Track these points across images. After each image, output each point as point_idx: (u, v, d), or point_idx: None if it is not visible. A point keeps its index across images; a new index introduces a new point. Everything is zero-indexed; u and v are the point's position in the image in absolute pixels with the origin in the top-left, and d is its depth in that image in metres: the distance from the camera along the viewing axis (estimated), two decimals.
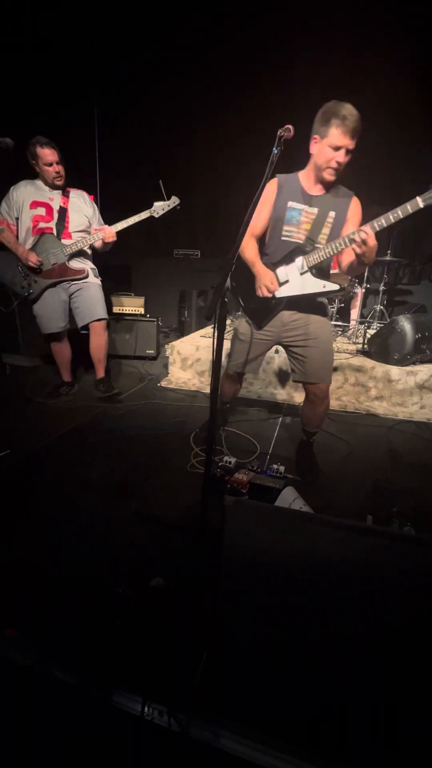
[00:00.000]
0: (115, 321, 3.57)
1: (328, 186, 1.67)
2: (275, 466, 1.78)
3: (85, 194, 2.64)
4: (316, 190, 1.69)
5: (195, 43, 3.93)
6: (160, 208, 2.54)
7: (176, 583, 1.21)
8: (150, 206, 2.53)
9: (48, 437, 2.21)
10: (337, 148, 1.53)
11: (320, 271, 1.74)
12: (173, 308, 4.84)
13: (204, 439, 2.13)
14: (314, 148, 1.61)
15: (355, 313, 3.94)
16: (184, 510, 1.60)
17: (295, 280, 1.75)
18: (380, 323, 3.66)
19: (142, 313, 4.08)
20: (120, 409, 2.67)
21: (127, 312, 3.88)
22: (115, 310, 3.78)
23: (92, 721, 0.92)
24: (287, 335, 1.84)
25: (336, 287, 1.75)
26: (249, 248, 1.78)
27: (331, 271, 1.93)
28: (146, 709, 0.92)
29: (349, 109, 1.50)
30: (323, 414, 1.94)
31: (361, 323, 3.72)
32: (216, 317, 1.17)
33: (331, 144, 1.53)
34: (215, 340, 1.21)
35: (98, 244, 2.57)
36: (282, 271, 1.76)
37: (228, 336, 3.52)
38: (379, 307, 3.86)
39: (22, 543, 1.41)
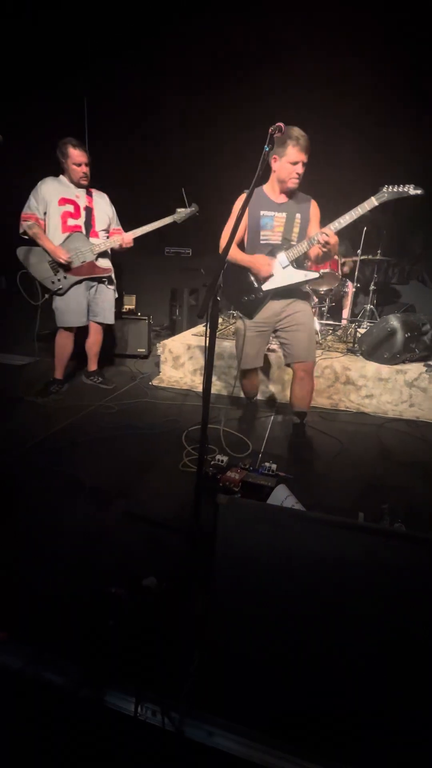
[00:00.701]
0: None
1: (290, 194, 2.05)
2: (267, 464, 1.79)
3: (105, 195, 2.78)
4: (281, 199, 2.06)
5: (182, 44, 3.92)
6: (182, 214, 2.69)
7: (169, 582, 1.21)
8: (173, 212, 2.68)
9: (38, 436, 2.18)
10: (295, 163, 1.91)
11: (299, 263, 2.06)
12: (164, 307, 4.81)
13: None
14: (275, 165, 1.97)
15: (345, 312, 3.97)
16: (177, 509, 1.60)
17: (279, 273, 2.06)
18: (370, 322, 3.69)
19: (134, 311, 4.05)
20: (111, 408, 2.66)
21: (119, 310, 3.85)
22: None
23: (85, 722, 0.91)
24: (281, 322, 2.16)
25: (316, 275, 2.08)
26: (234, 251, 2.05)
27: (322, 271, 2.07)
28: (139, 709, 0.91)
29: (299, 131, 1.88)
30: (311, 391, 2.25)
31: (351, 322, 3.75)
32: (208, 315, 1.17)
33: (290, 161, 1.91)
34: (207, 338, 1.20)
35: (117, 246, 2.73)
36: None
37: (220, 335, 3.53)
38: (369, 307, 3.89)
39: (11, 543, 1.39)
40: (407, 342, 2.93)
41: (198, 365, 3.22)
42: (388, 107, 3.78)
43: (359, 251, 3.70)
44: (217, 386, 3.16)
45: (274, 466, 1.78)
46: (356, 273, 3.75)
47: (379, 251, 3.82)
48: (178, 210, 2.67)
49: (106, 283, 2.82)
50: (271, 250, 2.05)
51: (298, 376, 2.18)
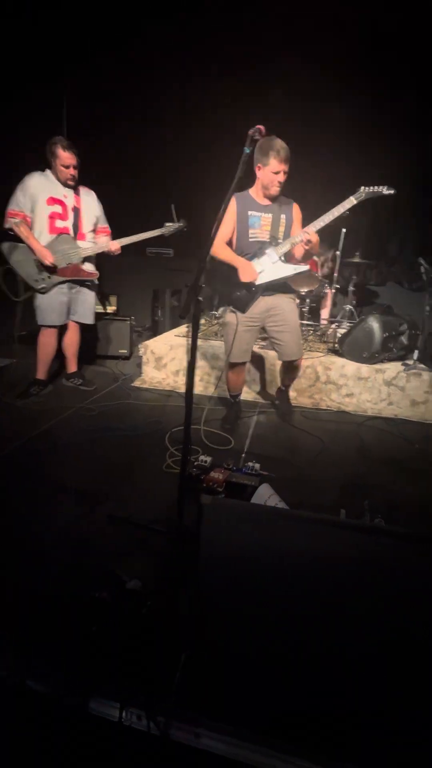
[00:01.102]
0: None
1: (273, 198, 2.23)
2: (250, 464, 1.80)
3: (93, 193, 2.76)
4: (266, 201, 2.24)
5: (171, 45, 3.91)
6: (170, 228, 2.75)
7: (154, 584, 1.20)
8: (159, 220, 2.73)
9: (19, 439, 2.13)
10: (276, 173, 2.10)
11: (287, 258, 2.23)
12: (146, 307, 4.77)
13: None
14: (259, 173, 2.16)
15: (325, 313, 4.03)
16: (161, 511, 1.59)
17: (269, 268, 2.21)
18: (350, 323, 3.76)
19: (115, 312, 4.01)
20: (93, 410, 2.62)
21: (99, 311, 3.80)
22: None
23: (69, 730, 0.89)
24: (270, 320, 2.31)
25: (305, 267, 2.26)
26: (225, 251, 2.21)
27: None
28: (124, 714, 0.90)
29: (280, 143, 2.06)
30: (296, 376, 2.63)
31: (331, 323, 3.82)
32: (191, 316, 1.17)
33: (272, 170, 2.10)
34: (189, 339, 1.20)
35: (104, 250, 2.73)
36: (256, 263, 2.21)
37: (203, 335, 3.53)
38: (348, 307, 3.97)
39: None
40: (385, 342, 3.00)
41: (181, 366, 3.21)
42: (365, 114, 3.87)
43: (338, 252, 3.77)
44: (199, 387, 3.15)
45: (257, 466, 1.79)
46: (335, 275, 3.81)
47: (357, 253, 3.90)
48: (167, 224, 2.73)
49: (89, 285, 2.80)
50: (261, 247, 2.21)
51: (287, 367, 2.49)
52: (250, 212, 2.21)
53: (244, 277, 2.17)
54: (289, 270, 2.20)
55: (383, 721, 0.88)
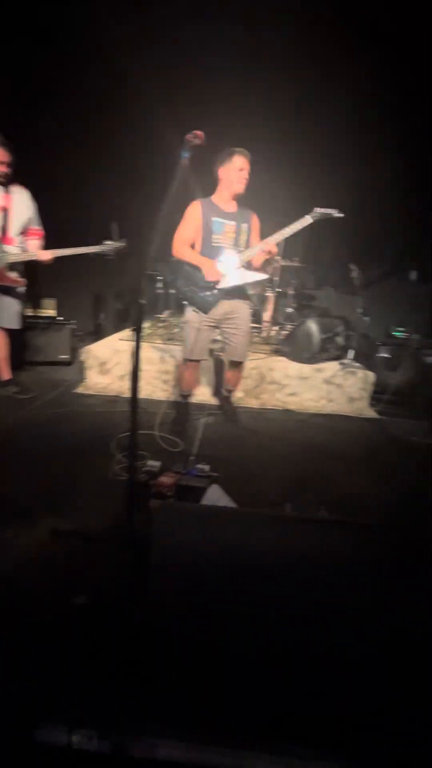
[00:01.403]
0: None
1: (238, 201, 2.32)
2: (200, 466, 1.81)
3: (26, 192, 2.58)
4: (230, 207, 2.33)
5: (100, 47, 3.81)
6: (109, 247, 2.65)
7: (104, 597, 1.16)
8: (99, 243, 2.62)
9: None
10: (241, 169, 2.22)
11: (249, 265, 2.33)
12: (88, 311, 4.60)
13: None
14: (222, 173, 2.25)
15: (267, 316, 4.17)
16: (110, 520, 1.54)
17: (232, 273, 2.29)
18: (291, 325, 3.93)
19: (54, 316, 3.81)
20: (34, 418, 2.46)
21: (37, 315, 3.59)
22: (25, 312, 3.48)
23: (16, 761, 0.83)
24: (226, 322, 2.43)
25: (265, 276, 2.44)
26: (188, 253, 2.29)
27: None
28: (73, 737, 0.86)
29: (242, 149, 2.20)
30: (240, 377, 2.74)
31: (274, 325, 3.96)
32: (134, 319, 1.15)
33: (237, 168, 2.22)
34: (134, 343, 1.18)
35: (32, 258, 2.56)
36: (219, 267, 2.29)
37: (149, 339, 3.47)
38: (289, 310, 4.14)
39: None
40: (324, 342, 3.18)
41: (126, 370, 3.14)
42: (316, 137, 4.10)
43: (279, 257, 3.92)
44: (146, 390, 3.10)
45: (206, 467, 1.80)
46: (277, 278, 3.97)
47: (296, 258, 4.09)
48: (106, 242, 2.64)
49: (14, 291, 2.63)
50: (224, 253, 2.29)
51: (233, 368, 2.64)
52: (214, 218, 2.28)
53: (210, 276, 2.26)
54: (251, 276, 2.32)
55: (332, 703, 0.93)
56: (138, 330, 1.17)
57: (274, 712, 0.91)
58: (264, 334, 3.88)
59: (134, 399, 1.22)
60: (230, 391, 2.76)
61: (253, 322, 4.04)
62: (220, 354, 3.03)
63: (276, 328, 3.85)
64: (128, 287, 4.37)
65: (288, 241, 3.91)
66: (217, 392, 3.09)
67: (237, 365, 2.58)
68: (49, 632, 1.03)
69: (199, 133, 1.34)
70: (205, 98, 3.85)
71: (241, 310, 2.43)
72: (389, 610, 0.88)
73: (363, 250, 4.47)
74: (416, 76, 3.73)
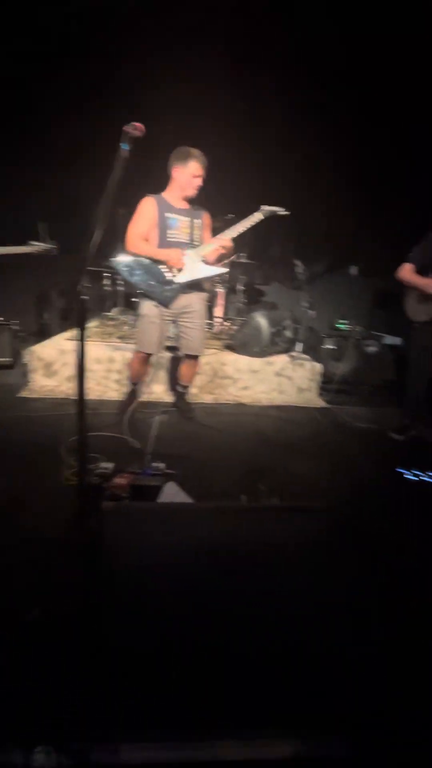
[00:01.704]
0: None
1: (189, 201, 2.33)
2: (155, 464, 1.79)
3: None
4: (182, 205, 2.33)
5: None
6: (35, 248, 2.57)
7: (59, 608, 1.11)
8: (25, 243, 2.53)
9: None
10: (196, 176, 2.23)
11: (206, 260, 2.32)
12: (30, 310, 4.35)
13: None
14: (176, 174, 2.25)
15: (218, 311, 4.21)
16: (62, 528, 1.47)
17: (191, 268, 2.29)
18: (241, 320, 3.99)
19: None
20: None
21: None
22: None
23: None
24: (182, 316, 2.42)
25: (223, 270, 2.42)
26: (144, 246, 2.26)
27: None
28: (31, 757, 0.82)
29: (198, 151, 2.21)
30: (195, 373, 2.70)
31: (224, 320, 4.00)
32: (76, 317, 1.11)
33: (192, 174, 2.22)
34: (78, 341, 1.14)
35: None
36: (185, 259, 2.27)
37: (97, 337, 3.36)
38: (239, 305, 4.21)
39: None
40: (273, 336, 3.27)
41: (74, 371, 3.01)
42: (263, 139, 4.16)
43: (236, 255, 3.96)
44: (97, 391, 3.01)
45: (161, 465, 1.79)
46: (226, 275, 4.00)
47: (243, 254, 4.15)
48: (32, 243, 2.53)
49: None
50: (181, 247, 2.28)
51: (188, 363, 2.61)
52: (167, 214, 2.27)
53: (174, 263, 2.24)
54: (209, 271, 2.33)
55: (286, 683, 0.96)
56: (81, 327, 1.13)
57: (237, 699, 0.93)
58: (215, 330, 3.91)
59: (81, 400, 1.17)
60: (185, 388, 2.76)
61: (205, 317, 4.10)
62: (176, 351, 2.99)
63: (227, 323, 3.89)
64: (69, 284, 4.20)
65: (234, 238, 3.99)
66: (167, 390, 3.07)
67: (193, 360, 2.58)
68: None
69: (138, 125, 1.31)
70: (147, 98, 3.77)
71: (198, 304, 2.43)
72: (337, 586, 0.93)
73: (307, 247, 4.64)
74: (358, 78, 3.91)
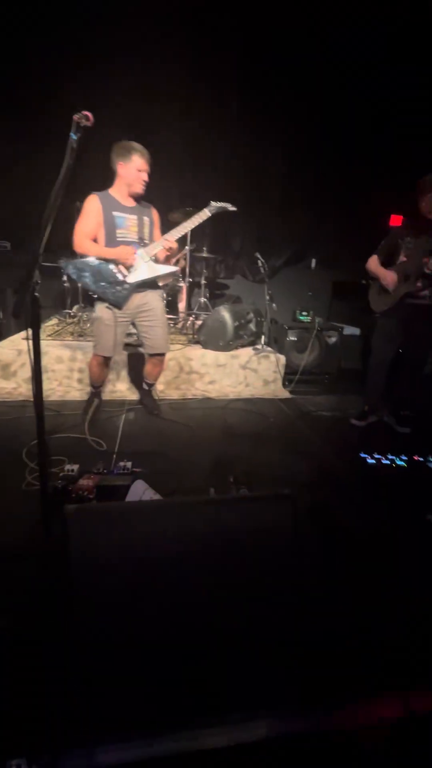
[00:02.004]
0: None
1: (136, 198, 2.28)
2: (122, 464, 1.76)
3: None
4: (129, 202, 2.27)
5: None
6: None
7: (26, 617, 1.07)
8: None
9: None
10: (141, 171, 2.18)
11: (156, 259, 2.28)
12: None
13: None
14: (122, 171, 2.18)
15: (182, 306, 4.18)
16: (26, 534, 1.42)
17: (141, 267, 2.24)
18: (206, 314, 3.99)
19: None
20: None
21: None
22: None
23: None
24: (140, 315, 2.37)
25: (175, 268, 2.38)
26: (92, 246, 2.19)
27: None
28: None
29: (140, 145, 2.16)
30: (161, 371, 2.65)
31: (188, 315, 3.98)
32: (28, 316, 1.06)
33: (137, 168, 2.17)
34: (30, 340, 1.09)
35: None
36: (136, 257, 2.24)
37: (56, 336, 3.24)
38: (203, 300, 4.20)
39: None
40: (237, 330, 3.29)
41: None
42: (196, 120, 4.10)
43: (187, 247, 3.93)
44: (59, 391, 2.91)
45: (129, 464, 1.76)
46: (187, 269, 3.98)
47: (205, 248, 4.13)
48: None
49: None
50: (132, 246, 2.23)
51: (153, 362, 2.57)
52: (114, 212, 2.21)
53: (126, 259, 2.19)
54: (161, 269, 2.28)
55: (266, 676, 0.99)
56: (36, 327, 1.08)
57: (211, 687, 0.95)
58: (180, 325, 3.88)
59: (39, 401, 1.13)
60: (151, 385, 2.71)
61: (169, 313, 4.05)
62: (141, 349, 2.96)
63: (191, 318, 3.88)
64: (20, 280, 4.01)
65: (195, 232, 3.96)
66: (131, 388, 3.03)
67: (158, 358, 2.53)
68: None
69: (87, 113, 1.27)
70: (96, 91, 3.64)
71: (154, 300, 2.39)
72: (304, 569, 0.96)
73: (267, 240, 4.70)
74: (311, 74, 3.96)
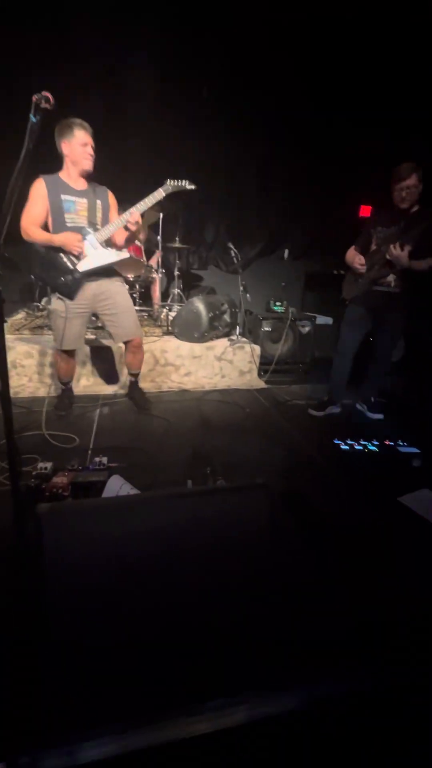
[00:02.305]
0: None
1: (87, 178, 2.17)
2: (98, 459, 1.73)
3: None
4: (80, 185, 2.16)
5: None
6: None
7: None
8: None
9: None
10: (84, 145, 2.07)
11: (108, 245, 2.19)
12: None
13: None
14: (67, 149, 2.07)
15: (156, 298, 4.11)
16: None
17: (92, 254, 2.13)
18: (180, 305, 3.95)
19: None
20: None
21: None
22: None
23: None
24: (100, 305, 2.27)
25: (127, 255, 2.29)
26: (39, 233, 2.07)
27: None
28: None
29: (79, 119, 2.06)
30: (142, 358, 2.55)
31: (162, 307, 3.92)
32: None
33: (80, 143, 2.05)
34: None
35: None
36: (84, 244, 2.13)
37: (27, 329, 3.13)
38: (176, 291, 4.14)
39: None
40: (211, 321, 3.27)
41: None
42: (170, 111, 3.99)
43: (159, 238, 3.86)
44: (30, 388, 2.82)
45: (104, 459, 1.73)
46: (159, 260, 3.91)
47: (177, 239, 4.07)
48: None
49: None
50: (80, 232, 2.11)
51: (131, 350, 2.46)
52: (63, 196, 2.09)
53: (73, 248, 2.08)
54: (112, 256, 2.17)
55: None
56: (1, 321, 1.03)
57: (190, 676, 0.96)
58: (154, 317, 3.83)
59: (6, 397, 1.09)
60: (135, 375, 2.61)
61: (143, 304, 3.99)
62: (106, 341, 2.90)
63: (165, 309, 3.83)
64: None
65: (165, 221, 3.89)
66: (104, 383, 2.98)
67: (133, 345, 2.42)
68: None
69: (47, 94, 1.21)
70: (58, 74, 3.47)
71: (112, 287, 2.27)
72: (283, 559, 0.98)
73: (240, 231, 4.67)
74: (286, 67, 3.92)
